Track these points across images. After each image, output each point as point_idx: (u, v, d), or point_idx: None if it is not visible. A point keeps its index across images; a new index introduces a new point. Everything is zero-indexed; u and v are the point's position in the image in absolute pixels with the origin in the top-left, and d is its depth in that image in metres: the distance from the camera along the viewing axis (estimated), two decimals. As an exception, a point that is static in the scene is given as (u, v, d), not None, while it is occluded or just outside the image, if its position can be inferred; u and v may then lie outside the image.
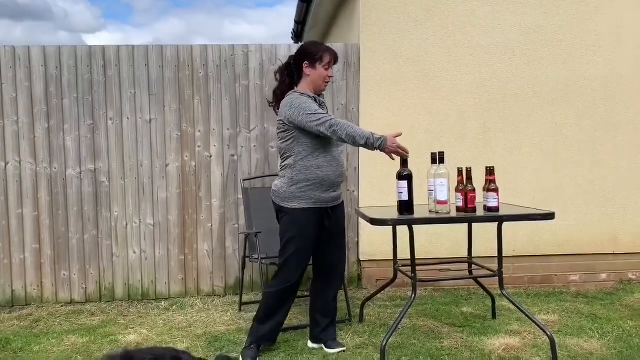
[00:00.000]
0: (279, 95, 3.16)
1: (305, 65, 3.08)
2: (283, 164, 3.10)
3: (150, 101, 4.48)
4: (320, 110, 2.99)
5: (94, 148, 4.46)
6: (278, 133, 3.11)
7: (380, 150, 2.92)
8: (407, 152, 2.96)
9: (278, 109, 3.15)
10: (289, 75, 3.14)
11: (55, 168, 4.44)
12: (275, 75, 3.23)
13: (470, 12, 4.60)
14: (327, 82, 3.13)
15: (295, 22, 7.24)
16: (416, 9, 4.57)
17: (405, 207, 3.14)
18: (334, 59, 3.11)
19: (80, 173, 4.45)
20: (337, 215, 3.21)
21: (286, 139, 3.06)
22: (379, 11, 4.55)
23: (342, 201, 3.28)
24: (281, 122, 3.07)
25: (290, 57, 3.20)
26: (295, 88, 3.12)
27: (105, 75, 4.44)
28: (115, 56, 4.44)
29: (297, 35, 7.72)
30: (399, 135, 2.96)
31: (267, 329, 3.16)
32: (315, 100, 3.08)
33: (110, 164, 4.47)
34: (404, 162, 3.15)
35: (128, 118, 4.47)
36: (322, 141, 3.01)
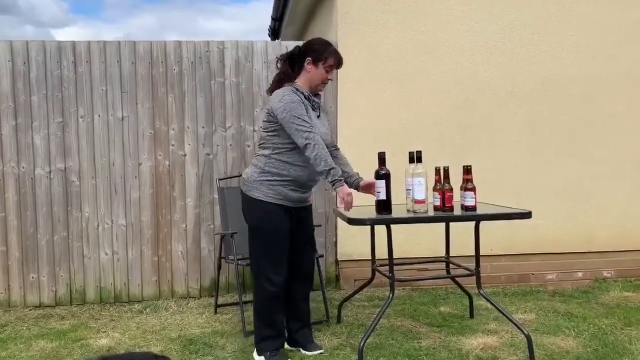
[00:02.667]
0: (276, 83, 3.13)
1: (308, 61, 3.07)
2: (259, 153, 3.10)
3: (122, 98, 4.43)
4: (306, 117, 2.94)
5: (63, 146, 4.39)
6: (263, 121, 3.10)
7: (332, 187, 2.97)
8: (349, 208, 3.01)
9: (270, 91, 3.14)
10: (290, 65, 3.12)
11: (23, 167, 4.36)
12: (277, 63, 3.20)
13: (448, 10, 4.65)
14: (324, 84, 3.13)
15: (272, 18, 7.22)
16: (395, 6, 4.60)
17: (383, 206, 3.16)
18: (338, 63, 3.12)
19: (50, 172, 4.39)
20: (303, 216, 3.19)
21: (268, 130, 3.04)
22: (358, 8, 4.58)
23: (310, 204, 3.28)
24: (267, 111, 3.06)
25: (296, 47, 3.18)
26: (294, 81, 3.10)
27: (75, 71, 4.38)
28: (86, 52, 4.38)
29: (274, 32, 7.71)
30: (350, 193, 2.99)
31: (274, 332, 3.14)
32: (308, 100, 3.04)
33: (81, 162, 4.41)
34: (382, 161, 3.18)
35: (99, 116, 4.42)
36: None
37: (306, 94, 3.06)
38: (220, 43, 4.54)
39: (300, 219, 3.17)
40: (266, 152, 3.04)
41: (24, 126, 4.34)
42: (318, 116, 3.11)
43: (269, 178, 3.01)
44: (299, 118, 2.92)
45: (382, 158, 3.19)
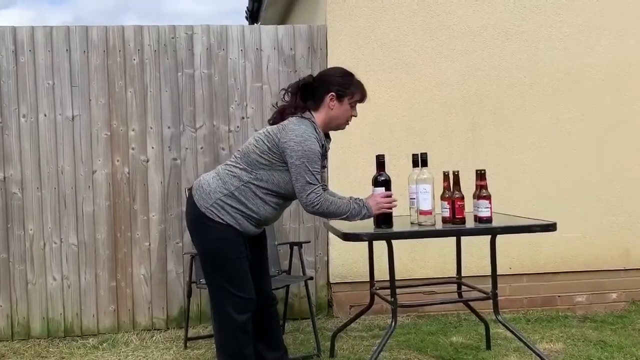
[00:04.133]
0: (284, 116, 3.08)
1: (331, 97, 3.02)
2: (233, 168, 3.04)
3: (72, 94, 4.39)
4: (319, 173, 2.97)
5: (2, 152, 4.34)
6: (260, 142, 3.00)
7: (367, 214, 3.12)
8: (393, 204, 3.17)
9: (272, 123, 3.12)
10: (303, 97, 3.06)
11: (-47, 177, 4.30)
12: (285, 94, 3.12)
13: (455, -12, 4.67)
14: (348, 124, 3.16)
15: (250, -1, 7.22)
16: (393, -16, 4.61)
17: (383, 218, 3.14)
18: (363, 97, 3.13)
19: (-14, 182, 4.33)
20: (255, 237, 3.21)
21: (263, 157, 2.97)
22: (349, -14, 4.58)
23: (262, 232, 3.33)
24: (273, 137, 2.98)
25: (310, 76, 3.14)
26: (312, 113, 3.05)
27: (16, 62, 4.33)
28: (29, 39, 4.34)
29: (252, 16, 7.71)
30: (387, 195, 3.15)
31: None
32: (322, 147, 3.02)
33: (24, 171, 4.36)
34: (381, 165, 3.16)
35: (45, 115, 4.37)
36: (290, 189, 3.00)
37: (322, 141, 3.03)
38: (188, 28, 4.52)
39: (253, 240, 3.18)
40: (244, 175, 2.99)
41: (-46, 128, 4.29)
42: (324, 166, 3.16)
43: (235, 206, 2.98)
44: (312, 174, 2.93)
45: (380, 162, 3.18)
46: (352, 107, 3.10)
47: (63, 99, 4.39)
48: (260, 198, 3.00)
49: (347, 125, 3.16)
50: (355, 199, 3.10)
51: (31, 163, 4.37)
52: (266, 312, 3.28)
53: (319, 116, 3.05)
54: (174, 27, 4.51)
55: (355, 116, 3.14)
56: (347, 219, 3.05)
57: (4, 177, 4.35)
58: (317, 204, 2.95)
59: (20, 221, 4.37)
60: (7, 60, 4.33)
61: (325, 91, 3.04)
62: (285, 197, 3.06)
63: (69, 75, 4.39)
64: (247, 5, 7.64)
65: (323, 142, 3.03)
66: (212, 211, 2.99)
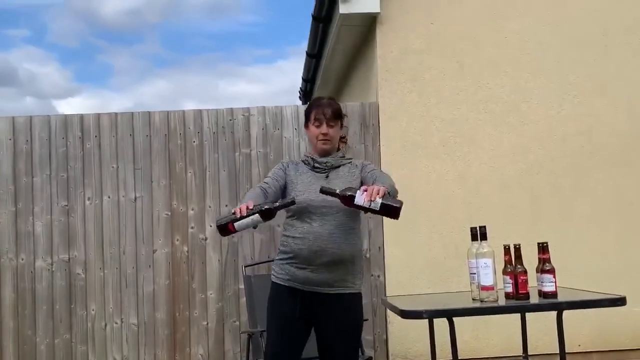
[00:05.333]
0: None
1: (304, 128, 3.17)
2: None
3: (135, 176, 4.57)
4: (269, 175, 3.03)
5: (68, 234, 4.50)
6: None
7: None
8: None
9: None
10: None
11: (22, 259, 4.47)
12: None
13: (507, 61, 4.73)
14: (322, 140, 3.04)
15: (303, 79, 7.46)
16: (444, 59, 4.71)
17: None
18: (321, 111, 3.03)
19: (52, 264, 4.48)
20: (329, 308, 2.94)
21: None
22: (400, 64, 4.70)
23: (346, 294, 2.96)
24: None
25: None
26: None
27: (83, 148, 4.56)
28: (94, 126, 4.58)
29: (306, 95, 7.94)
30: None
31: None
32: (311, 164, 3.02)
33: (87, 252, 4.50)
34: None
35: (109, 197, 4.54)
36: (296, 208, 2.92)
37: (311, 158, 3.05)
38: (245, 110, 4.68)
39: (325, 310, 2.95)
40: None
41: (24, 212, 4.49)
42: (327, 176, 3.01)
43: (281, 256, 3.01)
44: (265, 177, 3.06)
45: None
46: (317, 126, 3.03)
47: (126, 181, 4.56)
48: (287, 236, 3.00)
49: (323, 143, 3.03)
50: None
51: (95, 244, 4.51)
52: None
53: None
54: (232, 109, 4.68)
55: (326, 134, 3.02)
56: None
57: (69, 258, 4.49)
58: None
59: (83, 301, 4.47)
60: (74, 146, 4.56)
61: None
62: (299, 216, 2.97)
63: (132, 159, 4.57)
64: (300, 85, 7.88)
65: (306, 160, 3.06)
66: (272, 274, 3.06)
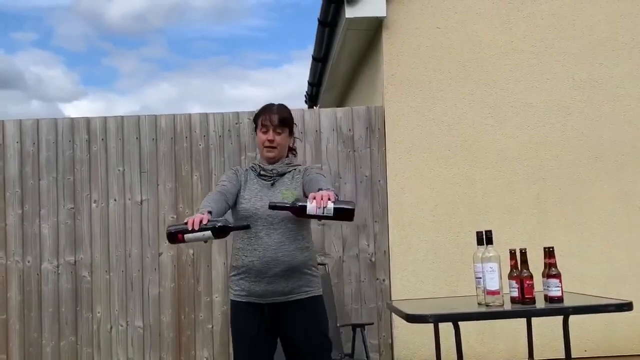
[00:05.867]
0: None
1: (255, 135, 3.11)
2: None
3: (141, 179, 4.59)
4: (219, 183, 2.94)
5: (74, 236, 4.53)
6: None
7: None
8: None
9: None
10: None
11: (28, 261, 4.50)
12: None
13: (513, 65, 4.73)
14: (267, 147, 2.97)
15: (309, 83, 7.48)
16: (449, 64, 4.72)
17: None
18: (268, 117, 2.96)
19: (58, 266, 4.50)
20: (290, 315, 2.87)
21: None
22: (406, 68, 4.71)
23: (307, 298, 2.88)
24: None
25: None
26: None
27: (89, 151, 4.58)
28: (101, 129, 4.61)
29: (312, 98, 7.95)
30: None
31: None
32: (257, 171, 2.97)
33: (93, 254, 4.52)
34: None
35: (115, 200, 4.57)
36: (241, 216, 2.89)
37: (257, 166, 3.00)
38: (251, 114, 4.68)
39: (288, 317, 2.89)
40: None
41: (30, 214, 4.52)
42: (272, 184, 2.95)
43: (234, 272, 2.92)
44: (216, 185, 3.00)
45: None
46: (264, 132, 2.97)
47: (132, 184, 4.58)
48: (238, 249, 2.92)
49: (269, 150, 2.96)
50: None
51: (100, 247, 4.53)
52: None
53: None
54: (238, 113, 4.70)
55: (272, 140, 2.95)
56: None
57: (75, 261, 4.51)
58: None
59: (88, 304, 4.49)
60: (80, 149, 4.58)
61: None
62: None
63: (138, 162, 4.60)
64: (306, 89, 7.90)
65: (254, 167, 3.01)
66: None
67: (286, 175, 2.97)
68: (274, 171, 2.96)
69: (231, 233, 2.72)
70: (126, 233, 4.55)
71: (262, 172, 2.96)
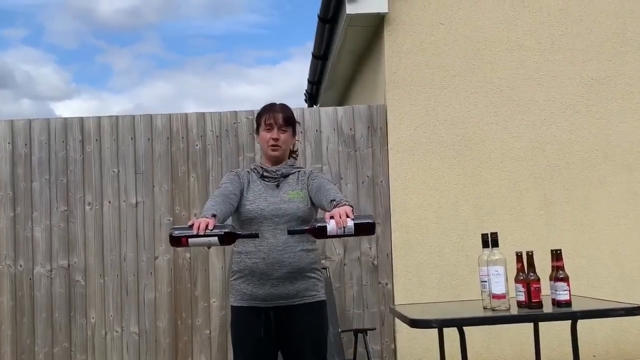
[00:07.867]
0: None
1: (256, 135, 3.10)
2: None
3: (136, 181, 4.56)
4: (221, 186, 2.89)
5: (67, 240, 4.50)
6: None
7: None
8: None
9: None
10: None
11: (20, 266, 4.47)
12: None
13: (519, 62, 4.70)
14: (273, 146, 2.97)
15: (309, 81, 7.46)
16: (453, 61, 4.69)
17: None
18: (273, 116, 2.97)
19: (51, 271, 4.48)
20: (296, 319, 2.86)
21: None
22: (409, 66, 4.68)
23: (313, 302, 2.89)
24: None
25: None
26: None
27: (83, 151, 4.56)
28: (95, 129, 4.58)
29: (312, 97, 7.93)
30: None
31: None
32: (259, 173, 2.95)
33: (87, 258, 4.50)
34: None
35: (110, 202, 4.54)
36: (246, 218, 2.88)
37: (259, 168, 2.98)
38: (249, 113, 4.67)
39: (292, 321, 2.88)
40: None
41: (23, 217, 4.49)
42: (277, 185, 2.94)
43: (236, 276, 2.90)
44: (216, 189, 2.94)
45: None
46: (268, 130, 2.96)
47: (127, 186, 4.56)
48: (240, 252, 2.90)
49: (274, 149, 2.96)
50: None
51: (95, 250, 4.51)
52: None
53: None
54: (235, 112, 4.68)
55: (277, 138, 2.95)
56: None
57: (68, 265, 4.49)
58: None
59: (82, 309, 4.47)
60: (74, 149, 4.56)
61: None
62: (250, 227, 2.87)
63: (133, 163, 4.57)
64: (306, 87, 7.88)
65: (255, 168, 2.99)
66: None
67: (291, 177, 2.96)
68: (278, 172, 2.96)
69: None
70: (121, 236, 4.53)
71: (265, 174, 2.95)
